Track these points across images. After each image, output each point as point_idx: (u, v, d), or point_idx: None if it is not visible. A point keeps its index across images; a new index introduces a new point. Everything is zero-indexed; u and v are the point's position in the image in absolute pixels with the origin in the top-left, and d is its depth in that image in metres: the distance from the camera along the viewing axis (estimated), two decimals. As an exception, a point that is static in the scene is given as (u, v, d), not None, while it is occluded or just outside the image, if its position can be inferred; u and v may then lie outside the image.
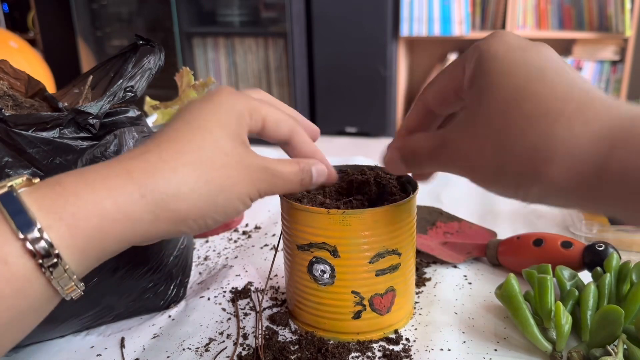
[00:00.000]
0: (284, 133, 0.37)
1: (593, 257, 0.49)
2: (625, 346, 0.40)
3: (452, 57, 2.75)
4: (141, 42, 0.48)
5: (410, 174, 0.43)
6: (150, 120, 0.76)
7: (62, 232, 0.27)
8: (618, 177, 0.26)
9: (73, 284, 0.28)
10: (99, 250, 0.29)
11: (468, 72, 0.33)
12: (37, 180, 0.29)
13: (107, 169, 0.30)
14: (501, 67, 0.30)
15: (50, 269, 0.27)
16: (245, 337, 0.46)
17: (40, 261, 0.26)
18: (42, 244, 0.26)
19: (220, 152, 0.32)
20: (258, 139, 0.38)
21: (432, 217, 0.66)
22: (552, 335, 0.42)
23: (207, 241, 0.65)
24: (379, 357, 0.43)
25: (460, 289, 0.53)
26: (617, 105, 0.27)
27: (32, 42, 3.32)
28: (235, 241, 0.65)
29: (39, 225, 0.26)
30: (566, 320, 0.41)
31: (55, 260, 0.27)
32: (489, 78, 0.30)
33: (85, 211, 0.28)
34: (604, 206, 0.28)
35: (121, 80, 0.44)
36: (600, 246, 0.49)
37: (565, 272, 0.47)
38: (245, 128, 0.35)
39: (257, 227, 0.69)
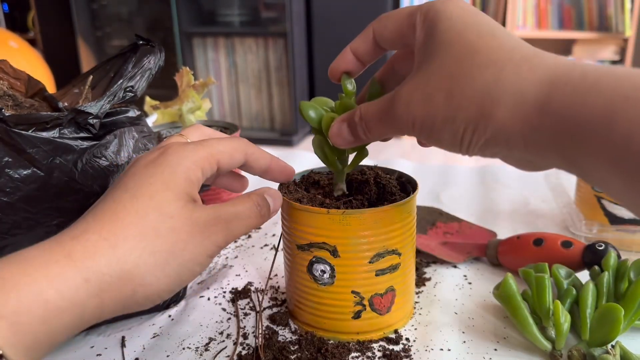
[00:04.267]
0: (240, 160, 0.37)
1: (593, 257, 0.49)
2: (621, 352, 0.40)
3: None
4: (141, 42, 0.48)
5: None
6: (150, 120, 0.77)
7: (5, 331, 0.26)
8: (555, 116, 0.27)
9: None
10: (47, 341, 0.27)
11: (420, 30, 0.34)
12: None
13: (48, 253, 0.28)
14: (455, 26, 0.32)
15: None
16: (245, 336, 0.46)
17: None
18: None
19: (164, 217, 0.31)
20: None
21: (432, 217, 0.66)
22: (551, 334, 0.43)
23: (207, 241, 0.65)
24: (379, 357, 0.43)
25: (460, 289, 0.53)
26: (557, 56, 0.30)
27: (32, 42, 3.32)
28: (235, 241, 0.65)
29: None
30: (565, 319, 0.41)
31: None
32: (444, 36, 0.32)
33: (27, 305, 0.26)
34: (545, 151, 0.29)
35: (121, 80, 0.44)
36: (601, 246, 0.49)
37: (562, 271, 0.47)
38: (195, 183, 0.34)
39: (257, 228, 0.69)
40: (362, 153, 0.44)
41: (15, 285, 0.27)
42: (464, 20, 0.32)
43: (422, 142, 0.35)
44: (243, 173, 0.51)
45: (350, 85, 0.41)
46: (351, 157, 0.45)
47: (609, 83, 0.26)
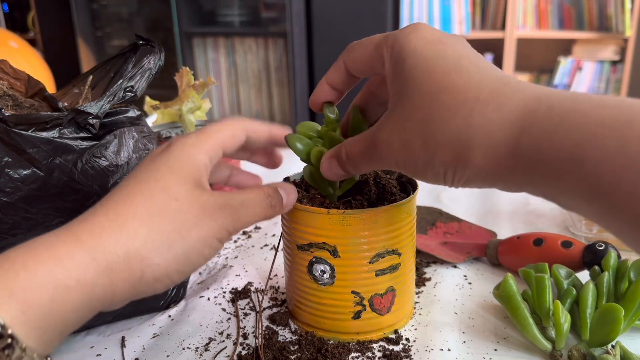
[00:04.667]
0: (242, 136, 0.38)
1: (593, 257, 0.49)
2: (621, 352, 0.40)
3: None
4: (141, 42, 0.48)
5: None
6: (150, 120, 0.77)
7: (14, 310, 0.25)
8: (526, 159, 0.27)
9: None
10: (58, 322, 0.27)
11: (389, 66, 0.34)
12: None
13: (55, 236, 0.29)
14: (420, 64, 0.32)
15: (7, 351, 0.25)
16: (245, 337, 0.46)
17: None
18: None
19: (170, 199, 0.31)
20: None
21: (432, 217, 0.66)
22: (551, 334, 0.43)
23: (207, 241, 0.65)
24: (379, 357, 0.43)
25: (460, 289, 0.53)
26: (524, 88, 0.29)
27: (32, 42, 3.32)
28: (235, 241, 0.65)
29: None
30: (565, 319, 0.41)
31: (9, 340, 0.25)
32: (410, 73, 0.32)
33: (36, 284, 0.26)
34: (524, 187, 0.29)
35: (121, 80, 0.44)
36: (601, 246, 0.49)
37: (562, 271, 0.47)
38: (202, 167, 0.34)
39: (257, 227, 0.69)
40: (352, 177, 0.44)
41: (23, 265, 0.27)
42: (427, 55, 0.32)
43: None
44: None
45: (332, 115, 0.41)
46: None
47: (575, 120, 0.26)
